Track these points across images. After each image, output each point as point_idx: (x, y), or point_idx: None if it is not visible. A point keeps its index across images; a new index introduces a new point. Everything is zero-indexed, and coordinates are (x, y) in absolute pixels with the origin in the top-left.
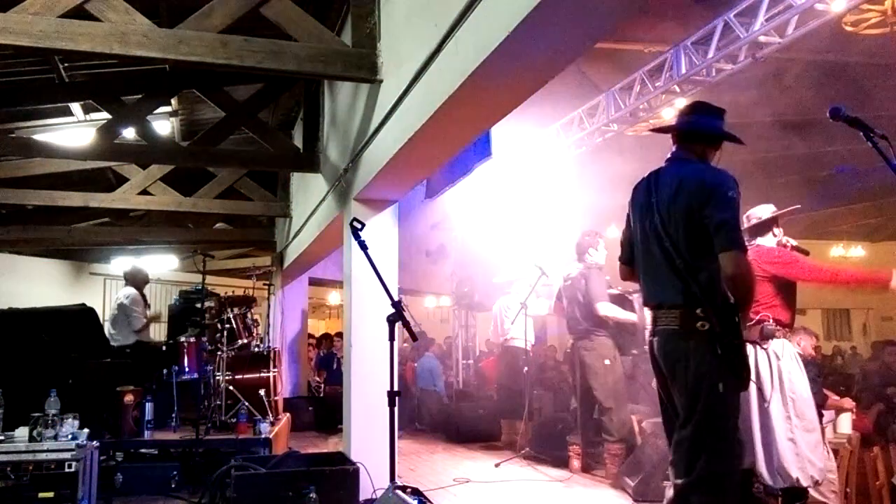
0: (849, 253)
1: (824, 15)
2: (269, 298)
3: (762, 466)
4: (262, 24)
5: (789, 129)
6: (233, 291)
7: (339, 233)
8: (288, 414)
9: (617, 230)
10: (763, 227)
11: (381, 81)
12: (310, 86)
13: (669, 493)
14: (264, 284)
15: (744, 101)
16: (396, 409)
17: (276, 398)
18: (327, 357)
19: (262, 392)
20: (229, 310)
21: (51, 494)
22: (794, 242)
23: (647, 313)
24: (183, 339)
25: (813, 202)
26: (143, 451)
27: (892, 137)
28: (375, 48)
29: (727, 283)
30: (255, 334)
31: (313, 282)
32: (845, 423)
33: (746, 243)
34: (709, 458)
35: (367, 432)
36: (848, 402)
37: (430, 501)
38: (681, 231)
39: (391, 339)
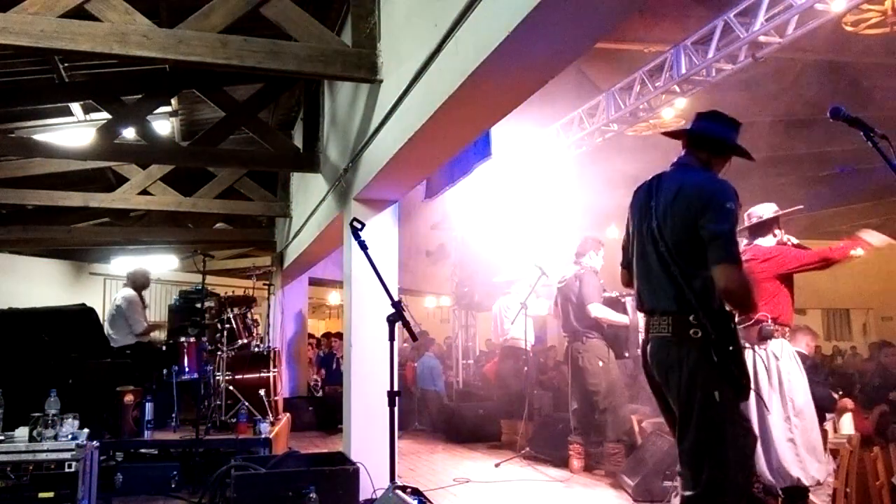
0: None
1: (824, 15)
2: (269, 298)
3: (762, 466)
4: (262, 24)
5: (789, 128)
6: (233, 291)
7: (339, 233)
8: (288, 414)
9: (617, 230)
10: (763, 227)
11: (381, 81)
12: (310, 86)
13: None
14: (264, 284)
15: (744, 101)
16: (396, 409)
17: (276, 398)
18: (327, 357)
19: (262, 392)
20: (229, 310)
21: (51, 494)
22: (795, 241)
23: (640, 318)
24: (183, 339)
25: (813, 202)
26: (143, 451)
27: (893, 137)
28: (375, 48)
29: (721, 295)
30: (255, 334)
31: (313, 282)
32: (847, 423)
33: (746, 243)
34: (713, 469)
35: (367, 432)
36: (849, 403)
37: (430, 501)
38: (677, 237)
39: (391, 339)
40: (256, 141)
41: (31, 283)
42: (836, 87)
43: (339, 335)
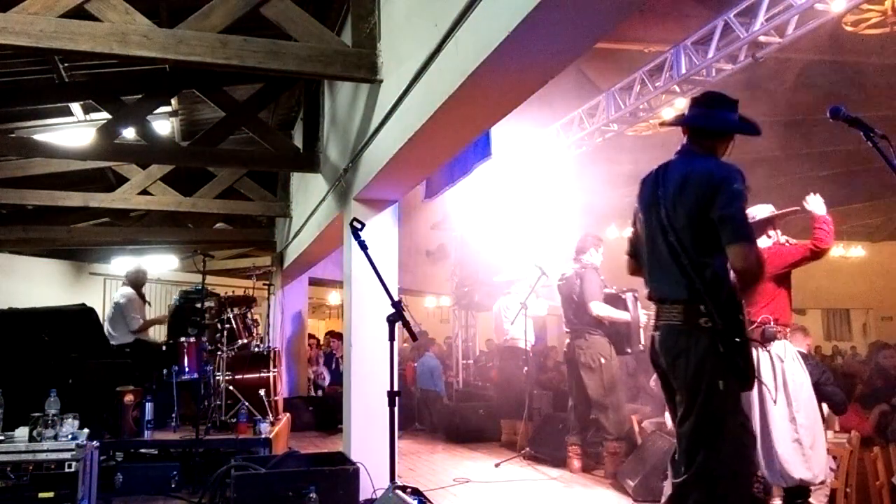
0: (849, 253)
1: (824, 15)
2: (269, 298)
3: (763, 466)
4: (261, 24)
5: (789, 128)
6: (233, 291)
7: (339, 233)
8: (288, 414)
9: (617, 230)
10: (758, 228)
11: (381, 81)
12: (310, 86)
13: (668, 489)
14: (264, 284)
15: (744, 101)
16: (396, 409)
17: (275, 398)
18: (327, 357)
19: (261, 392)
20: (229, 310)
21: (51, 494)
22: (793, 241)
23: (641, 311)
24: (183, 339)
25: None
26: (143, 451)
27: (893, 137)
28: (375, 48)
29: (736, 276)
30: (255, 334)
31: (313, 282)
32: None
33: None
34: (707, 455)
35: (367, 432)
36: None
37: (430, 501)
38: (686, 226)
39: (391, 339)
40: (256, 141)
41: (31, 283)
42: (836, 87)
43: (339, 335)
